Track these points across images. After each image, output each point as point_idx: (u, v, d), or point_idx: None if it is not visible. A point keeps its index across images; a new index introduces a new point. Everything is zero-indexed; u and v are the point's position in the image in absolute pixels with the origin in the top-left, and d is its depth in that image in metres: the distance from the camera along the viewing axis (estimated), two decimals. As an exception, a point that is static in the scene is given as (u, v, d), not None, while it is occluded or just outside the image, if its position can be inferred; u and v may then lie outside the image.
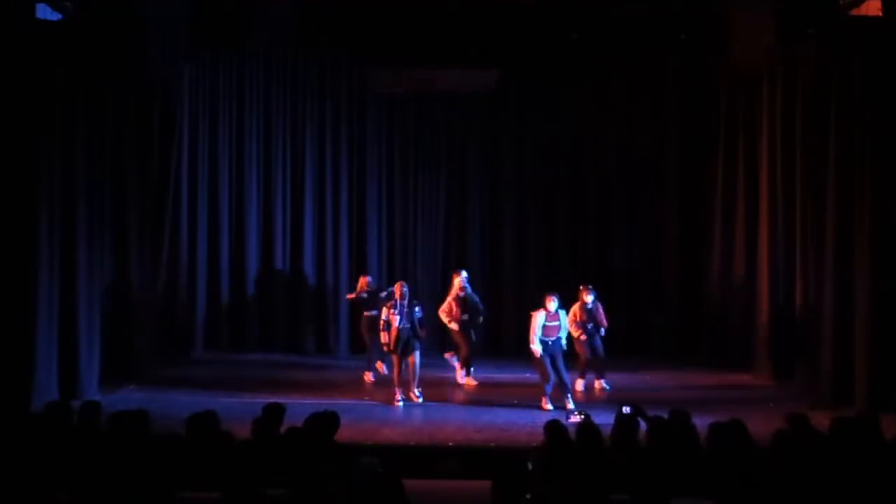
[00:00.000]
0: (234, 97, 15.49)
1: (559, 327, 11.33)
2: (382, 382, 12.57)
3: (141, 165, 13.34)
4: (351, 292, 13.85)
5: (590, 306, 12.30)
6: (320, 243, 15.65)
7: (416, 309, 11.51)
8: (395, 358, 11.54)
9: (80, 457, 6.44)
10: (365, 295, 13.18)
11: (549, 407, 11.03)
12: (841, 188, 11.24)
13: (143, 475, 5.85)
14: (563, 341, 11.46)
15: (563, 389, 11.24)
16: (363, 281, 13.38)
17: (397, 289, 11.63)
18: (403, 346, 11.44)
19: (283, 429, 7.07)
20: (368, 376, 12.97)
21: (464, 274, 13.06)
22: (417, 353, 11.51)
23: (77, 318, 11.40)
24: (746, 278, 14.04)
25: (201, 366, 14.34)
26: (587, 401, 11.78)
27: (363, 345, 13.49)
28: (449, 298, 12.90)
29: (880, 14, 11.29)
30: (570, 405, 11.08)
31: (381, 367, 12.97)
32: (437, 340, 13.97)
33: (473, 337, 12.89)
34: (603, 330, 12.38)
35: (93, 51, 11.69)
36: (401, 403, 11.39)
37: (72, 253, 11.38)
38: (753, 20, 13.27)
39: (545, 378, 11.18)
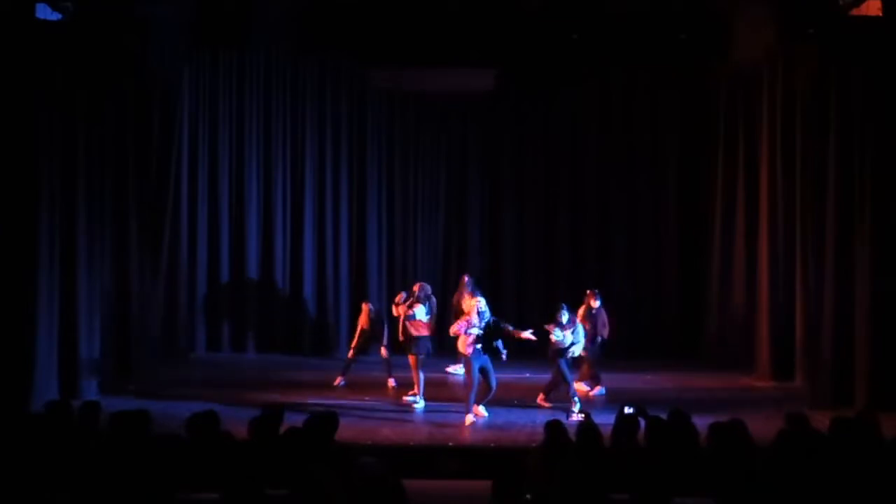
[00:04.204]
0: (234, 97, 15.48)
1: (575, 333, 11.41)
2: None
3: (141, 166, 13.33)
4: (360, 301, 13.61)
5: (594, 311, 12.30)
6: (320, 243, 15.65)
7: (412, 312, 11.51)
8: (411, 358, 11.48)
9: (80, 457, 6.43)
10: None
11: (547, 403, 11.14)
12: (841, 188, 11.23)
13: (144, 475, 5.85)
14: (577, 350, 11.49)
15: (566, 390, 11.29)
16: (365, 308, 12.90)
17: (415, 288, 11.90)
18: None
19: (282, 429, 7.07)
20: (391, 382, 12.56)
21: (465, 279, 13.02)
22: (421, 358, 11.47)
23: (77, 318, 11.40)
24: (746, 278, 14.05)
25: (201, 366, 14.36)
26: (588, 401, 11.78)
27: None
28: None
29: (880, 14, 11.30)
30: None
31: (391, 382, 12.55)
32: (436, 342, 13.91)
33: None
34: (600, 338, 12.31)
35: (93, 51, 11.68)
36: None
37: (72, 253, 11.37)
38: (753, 20, 13.28)
39: (565, 383, 11.19)
